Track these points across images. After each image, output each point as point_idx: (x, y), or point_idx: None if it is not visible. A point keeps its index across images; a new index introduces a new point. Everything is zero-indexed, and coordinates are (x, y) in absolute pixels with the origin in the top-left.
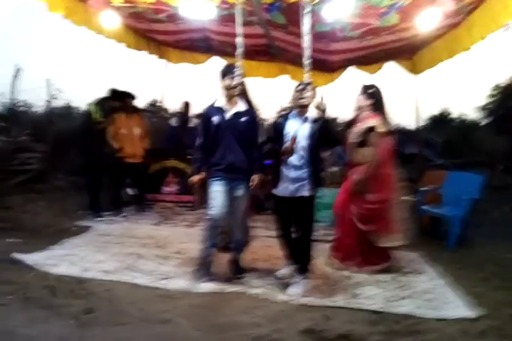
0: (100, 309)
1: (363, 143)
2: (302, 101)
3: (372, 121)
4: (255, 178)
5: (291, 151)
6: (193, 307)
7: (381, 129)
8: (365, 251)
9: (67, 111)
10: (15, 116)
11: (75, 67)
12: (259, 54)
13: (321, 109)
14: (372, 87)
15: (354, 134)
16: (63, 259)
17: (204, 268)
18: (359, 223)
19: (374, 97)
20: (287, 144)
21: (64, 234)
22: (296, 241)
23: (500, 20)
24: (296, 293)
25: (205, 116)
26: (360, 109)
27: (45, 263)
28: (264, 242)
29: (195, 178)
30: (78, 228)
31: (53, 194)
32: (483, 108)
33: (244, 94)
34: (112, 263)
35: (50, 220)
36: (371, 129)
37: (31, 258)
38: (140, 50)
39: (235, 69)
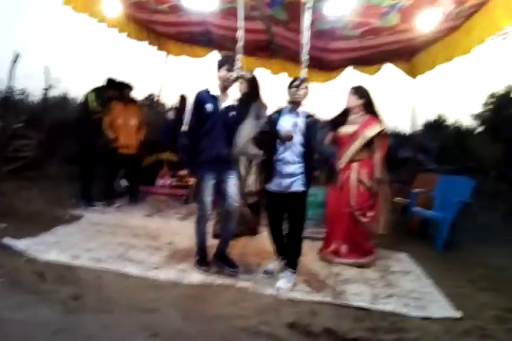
0: (88, 296)
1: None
2: (296, 97)
3: (378, 125)
4: None
5: (291, 137)
6: (182, 297)
7: (385, 132)
8: (354, 244)
9: (64, 101)
10: (11, 103)
11: (74, 56)
12: (259, 50)
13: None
14: (361, 87)
15: (362, 138)
16: (54, 246)
17: (200, 259)
18: (362, 217)
19: (364, 97)
20: (288, 129)
21: (56, 221)
22: (286, 237)
23: (499, 23)
24: (285, 286)
25: (199, 101)
26: (351, 109)
27: (36, 249)
28: (255, 237)
29: (186, 173)
30: (70, 216)
31: (47, 182)
32: (479, 116)
33: (255, 91)
34: (102, 252)
35: (43, 207)
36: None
37: (22, 244)
38: (141, 40)
39: (235, 62)
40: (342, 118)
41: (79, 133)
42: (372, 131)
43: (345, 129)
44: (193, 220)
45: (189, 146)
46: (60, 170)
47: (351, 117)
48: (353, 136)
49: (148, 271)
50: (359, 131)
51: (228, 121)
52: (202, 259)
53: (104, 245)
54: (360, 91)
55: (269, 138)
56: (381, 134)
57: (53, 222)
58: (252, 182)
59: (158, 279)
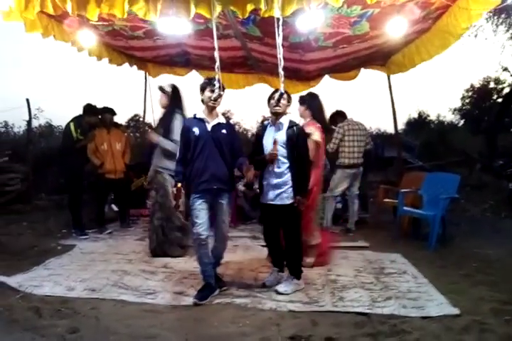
0: (86, 328)
1: None
2: (277, 108)
3: (308, 128)
4: (249, 170)
5: (275, 155)
6: (181, 320)
7: (315, 136)
8: None
9: (49, 130)
10: None
11: (56, 86)
12: (237, 66)
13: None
14: (307, 95)
15: None
16: (48, 279)
17: (209, 289)
18: None
19: (307, 105)
20: (270, 149)
21: (48, 254)
22: (286, 247)
23: (462, 24)
24: (282, 290)
25: (186, 128)
26: (302, 117)
27: (29, 284)
28: (250, 251)
29: (175, 188)
30: (62, 247)
31: (36, 214)
32: (459, 109)
33: (177, 103)
34: (97, 281)
35: (34, 241)
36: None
37: (15, 280)
38: (121, 64)
39: (215, 82)
40: None
41: (63, 163)
42: None
43: None
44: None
45: (182, 172)
46: (48, 201)
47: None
48: None
49: (145, 296)
50: None
51: (220, 140)
52: (210, 290)
53: (98, 274)
54: (302, 99)
55: (258, 154)
56: (311, 137)
57: (45, 254)
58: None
59: (155, 304)
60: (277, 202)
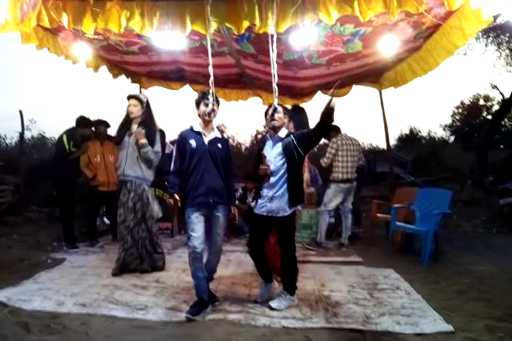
0: None
1: None
2: (274, 122)
3: None
4: (233, 210)
5: (267, 171)
6: (173, 336)
7: None
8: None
9: (41, 141)
10: None
11: (49, 97)
12: (231, 83)
13: None
14: (291, 109)
15: None
16: (37, 294)
17: (202, 304)
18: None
19: (290, 118)
20: (261, 166)
21: (38, 267)
22: (281, 262)
23: (455, 43)
24: (275, 306)
25: (182, 139)
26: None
27: (18, 298)
28: (243, 266)
29: (173, 200)
30: (53, 261)
31: (27, 226)
32: (450, 126)
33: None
34: (87, 296)
35: (24, 254)
36: None
37: (3, 295)
38: (118, 76)
39: (209, 96)
40: None
41: (56, 175)
42: None
43: None
44: (179, 254)
45: (179, 184)
46: (39, 213)
47: None
48: None
49: (136, 311)
50: None
51: (216, 154)
52: (204, 305)
53: (88, 288)
54: (286, 110)
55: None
56: None
57: (35, 268)
58: (157, 207)
59: (146, 319)
60: (274, 214)
